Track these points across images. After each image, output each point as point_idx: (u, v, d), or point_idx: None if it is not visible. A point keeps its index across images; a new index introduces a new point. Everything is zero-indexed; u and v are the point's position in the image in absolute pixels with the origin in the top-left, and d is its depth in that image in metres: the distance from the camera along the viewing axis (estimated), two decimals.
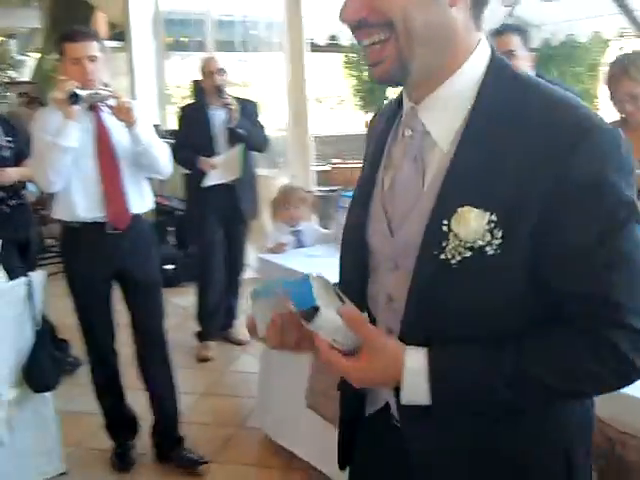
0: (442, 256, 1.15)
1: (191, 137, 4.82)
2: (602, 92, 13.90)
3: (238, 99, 4.87)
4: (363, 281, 1.38)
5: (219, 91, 4.70)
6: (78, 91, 3.08)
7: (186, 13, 9.02)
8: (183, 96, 10.68)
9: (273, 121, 7.81)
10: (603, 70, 14.28)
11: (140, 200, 3.42)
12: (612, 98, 3.12)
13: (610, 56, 13.41)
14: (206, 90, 4.86)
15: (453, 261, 1.14)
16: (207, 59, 4.96)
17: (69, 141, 3.10)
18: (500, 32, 3.38)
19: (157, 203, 4.08)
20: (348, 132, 16.28)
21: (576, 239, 1.10)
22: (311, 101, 6.71)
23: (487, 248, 1.12)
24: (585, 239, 1.10)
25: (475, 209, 1.12)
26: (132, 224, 3.35)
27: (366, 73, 14.29)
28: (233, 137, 4.75)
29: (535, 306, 1.17)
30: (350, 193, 4.21)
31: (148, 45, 8.59)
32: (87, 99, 3.14)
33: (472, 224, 1.12)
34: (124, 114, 3.20)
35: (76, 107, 3.11)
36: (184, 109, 5.22)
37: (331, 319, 1.17)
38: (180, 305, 5.92)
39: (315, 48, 6.58)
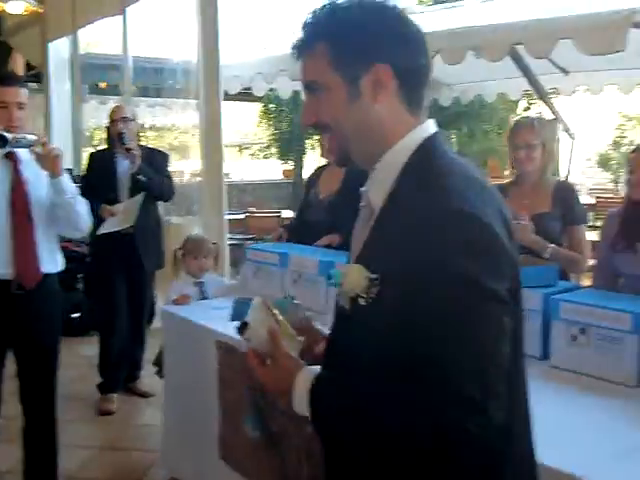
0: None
1: (96, 183, 4.81)
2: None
3: (148, 149, 4.92)
4: None
5: (120, 138, 4.69)
6: (5, 133, 2.92)
7: (105, 58, 9.01)
8: (97, 140, 10.61)
9: (188, 168, 7.84)
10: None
11: (51, 259, 3.24)
12: (510, 146, 3.34)
13: (516, 115, 14.03)
14: (113, 137, 4.87)
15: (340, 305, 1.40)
16: (114, 107, 5.00)
17: None
18: None
19: (66, 249, 4.02)
20: (266, 180, 16.48)
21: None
22: (230, 148, 6.77)
23: (360, 299, 1.29)
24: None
25: (358, 265, 1.31)
26: (41, 285, 3.16)
27: (284, 123, 14.49)
28: (136, 184, 4.74)
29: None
30: (259, 245, 4.27)
31: (65, 88, 8.53)
32: (13, 143, 2.95)
33: (353, 277, 1.30)
34: (51, 163, 3.01)
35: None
36: (92, 155, 5.23)
37: (260, 334, 1.47)
38: (85, 355, 5.79)
39: (230, 97, 6.67)
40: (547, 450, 1.86)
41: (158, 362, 4.27)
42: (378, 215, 1.34)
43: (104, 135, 10.57)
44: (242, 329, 1.50)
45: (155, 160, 4.88)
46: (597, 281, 3.10)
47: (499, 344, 1.20)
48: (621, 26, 3.91)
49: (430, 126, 1.37)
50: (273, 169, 20.06)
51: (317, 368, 1.43)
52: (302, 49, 1.38)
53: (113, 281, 4.87)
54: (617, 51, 3.95)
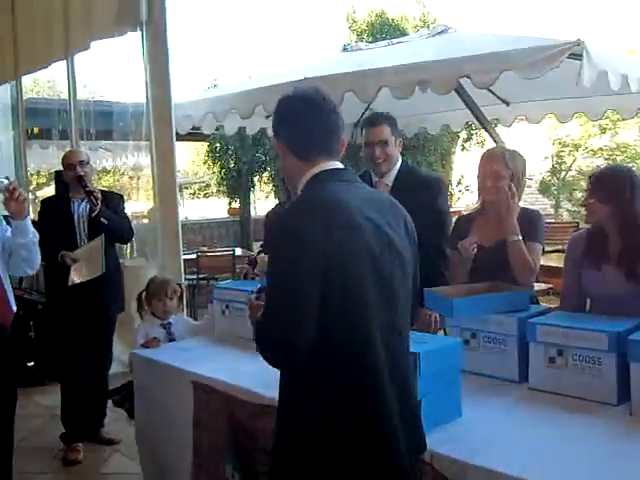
0: None
1: (52, 230, 4.57)
2: (454, 178, 14.77)
3: (102, 191, 4.87)
4: None
5: (81, 181, 4.65)
6: None
7: (49, 102, 8.90)
8: (35, 185, 10.46)
9: (140, 210, 7.77)
10: (454, 158, 15.25)
11: (11, 300, 3.32)
12: (478, 176, 3.42)
13: (457, 146, 14.35)
14: (68, 182, 4.82)
15: None
16: (68, 152, 4.97)
17: None
18: (373, 124, 3.75)
19: (19, 297, 3.95)
20: (213, 219, 16.44)
21: None
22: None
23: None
24: None
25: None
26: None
27: (232, 162, 14.50)
28: (95, 227, 4.70)
29: None
30: (224, 283, 4.28)
31: (7, 133, 8.39)
32: None
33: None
34: (18, 205, 3.18)
35: None
36: (44, 202, 5.14)
37: None
38: (43, 405, 5.65)
39: (177, 137, 6.66)
40: (531, 470, 1.93)
41: (122, 403, 4.21)
42: None
43: (42, 180, 10.47)
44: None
45: (111, 202, 4.84)
46: (565, 305, 3.17)
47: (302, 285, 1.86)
48: (561, 54, 4.13)
49: (315, 171, 2.07)
50: (216, 208, 20.03)
51: None
52: None
53: (73, 329, 4.75)
54: (553, 67, 4.14)
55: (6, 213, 3.41)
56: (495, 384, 2.73)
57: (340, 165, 2.11)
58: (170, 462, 3.41)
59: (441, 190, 3.90)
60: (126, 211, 5.10)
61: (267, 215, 4.89)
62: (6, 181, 3.23)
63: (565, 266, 3.23)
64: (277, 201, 16.53)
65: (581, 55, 4.11)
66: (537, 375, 2.63)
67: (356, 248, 1.92)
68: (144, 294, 4.10)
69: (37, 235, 3.39)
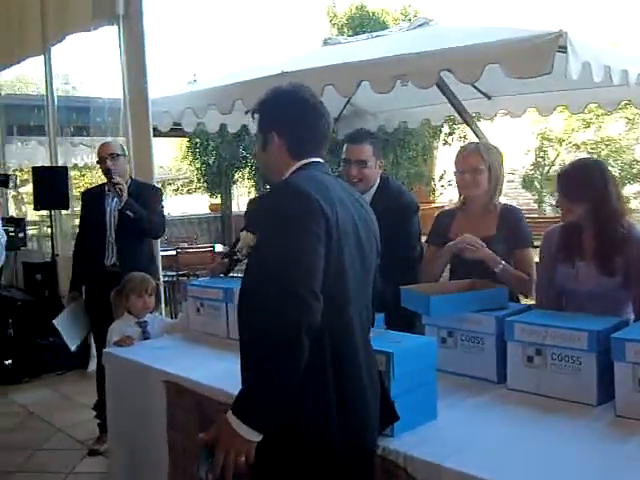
0: None
1: (87, 221, 4.94)
2: (436, 173, 14.74)
3: (138, 183, 4.97)
4: None
5: (108, 173, 4.72)
6: None
7: (26, 98, 8.78)
8: (22, 180, 10.31)
9: None
10: (435, 153, 15.21)
11: None
12: (456, 171, 3.36)
13: (439, 140, 14.29)
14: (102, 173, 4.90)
15: None
16: (100, 145, 5.01)
17: None
18: (354, 141, 3.60)
19: None
20: (194, 215, 16.36)
21: None
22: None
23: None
24: None
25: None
26: None
27: (212, 158, 14.38)
28: (123, 221, 4.71)
29: None
30: (198, 281, 4.21)
31: None
32: None
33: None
34: None
35: None
36: (83, 194, 5.27)
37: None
38: (20, 403, 5.57)
39: (157, 133, 6.58)
40: (506, 473, 1.88)
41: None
42: None
43: (24, 177, 10.34)
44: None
45: (144, 196, 4.84)
46: (540, 300, 3.12)
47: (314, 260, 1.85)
48: (547, 49, 4.00)
49: (301, 163, 2.12)
50: (198, 204, 19.93)
51: None
52: None
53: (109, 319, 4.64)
54: (544, 74, 4.04)
55: None
56: (472, 384, 2.67)
57: (322, 160, 2.19)
58: (144, 461, 3.34)
59: (413, 215, 3.73)
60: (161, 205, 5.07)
61: (249, 203, 4.84)
62: None
63: (540, 261, 3.19)
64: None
65: (564, 47, 4.04)
66: (515, 375, 2.57)
67: (346, 220, 2.00)
68: (122, 291, 4.03)
69: (5, 236, 3.59)
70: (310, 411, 1.92)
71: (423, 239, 3.76)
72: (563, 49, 4.03)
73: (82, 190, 5.62)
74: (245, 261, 2.69)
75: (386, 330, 2.59)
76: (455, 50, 4.61)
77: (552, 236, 3.13)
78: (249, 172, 14.55)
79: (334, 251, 1.92)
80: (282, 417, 1.85)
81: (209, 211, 16.86)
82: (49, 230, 7.39)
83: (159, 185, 6.28)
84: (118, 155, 4.84)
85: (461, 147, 3.53)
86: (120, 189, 4.63)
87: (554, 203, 3.34)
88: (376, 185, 3.67)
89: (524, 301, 3.37)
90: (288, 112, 2.14)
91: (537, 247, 3.27)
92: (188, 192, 24.99)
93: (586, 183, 2.91)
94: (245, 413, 1.83)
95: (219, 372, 2.94)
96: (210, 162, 14.44)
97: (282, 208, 1.92)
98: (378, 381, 2.12)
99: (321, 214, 1.89)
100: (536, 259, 3.30)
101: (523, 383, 2.54)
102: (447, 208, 3.68)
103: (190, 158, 15.27)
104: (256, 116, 2.21)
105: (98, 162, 4.89)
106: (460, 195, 3.45)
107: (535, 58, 4.04)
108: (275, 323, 1.79)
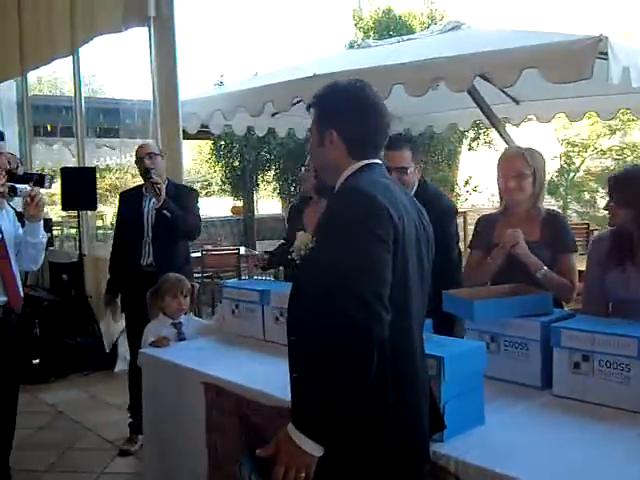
0: None
1: (126, 221, 4.94)
2: (460, 178, 14.68)
3: (176, 185, 4.99)
4: None
5: (146, 173, 4.73)
6: (16, 185, 3.50)
7: (55, 99, 8.83)
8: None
9: None
10: (461, 158, 15.16)
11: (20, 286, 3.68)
12: (500, 176, 3.31)
13: (464, 146, 14.22)
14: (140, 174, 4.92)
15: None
16: (138, 146, 5.03)
17: None
18: (394, 147, 3.48)
19: (25, 293, 3.95)
20: (217, 217, 16.37)
21: None
22: None
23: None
24: None
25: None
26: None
27: (237, 161, 14.38)
28: (160, 221, 4.72)
29: None
30: (232, 282, 4.21)
31: (13, 130, 8.33)
32: (18, 193, 3.54)
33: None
34: (37, 210, 3.51)
35: None
36: (122, 195, 5.26)
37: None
38: (48, 402, 5.59)
39: (185, 135, 6.60)
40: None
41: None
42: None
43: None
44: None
45: (182, 197, 4.86)
46: (587, 307, 3.09)
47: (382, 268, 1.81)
48: (588, 54, 3.97)
49: (361, 164, 2.06)
50: (218, 206, 19.95)
51: None
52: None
53: (144, 319, 4.42)
54: (584, 79, 4.01)
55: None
56: (516, 390, 2.64)
57: (380, 161, 2.13)
58: (179, 463, 3.33)
59: (452, 219, 3.74)
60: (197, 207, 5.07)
61: (290, 209, 4.72)
62: (28, 187, 3.55)
63: (587, 268, 3.15)
64: (279, 201, 16.48)
65: (605, 53, 4.00)
66: (561, 381, 2.54)
67: (410, 225, 1.97)
68: (158, 291, 4.03)
69: (46, 236, 3.70)
70: (368, 418, 1.87)
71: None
72: (604, 55, 4.00)
73: (120, 192, 5.59)
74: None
75: (433, 334, 2.57)
76: (491, 54, 4.59)
77: (601, 241, 3.10)
78: (272, 175, 14.57)
79: (400, 258, 1.88)
80: (347, 429, 1.80)
81: (230, 214, 16.86)
82: (72, 231, 7.40)
83: None
84: (156, 155, 4.86)
85: (505, 151, 3.49)
86: (158, 188, 4.64)
87: (587, 205, 3.31)
88: (414, 189, 3.63)
89: (566, 307, 3.33)
90: (350, 110, 2.05)
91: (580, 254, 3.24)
92: (207, 195, 25.06)
93: (633, 188, 2.88)
94: (310, 427, 1.77)
95: (259, 374, 2.94)
96: (234, 165, 14.45)
97: (348, 212, 1.86)
98: (429, 387, 2.09)
99: (389, 220, 1.85)
100: (578, 266, 3.26)
101: (569, 390, 2.51)
102: (487, 214, 3.63)
103: (214, 160, 15.29)
104: (312, 110, 2.13)
105: (136, 162, 4.90)
106: (502, 200, 3.41)
107: (575, 63, 4.01)
108: (345, 333, 1.72)
